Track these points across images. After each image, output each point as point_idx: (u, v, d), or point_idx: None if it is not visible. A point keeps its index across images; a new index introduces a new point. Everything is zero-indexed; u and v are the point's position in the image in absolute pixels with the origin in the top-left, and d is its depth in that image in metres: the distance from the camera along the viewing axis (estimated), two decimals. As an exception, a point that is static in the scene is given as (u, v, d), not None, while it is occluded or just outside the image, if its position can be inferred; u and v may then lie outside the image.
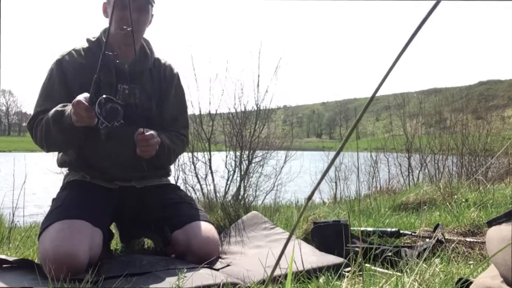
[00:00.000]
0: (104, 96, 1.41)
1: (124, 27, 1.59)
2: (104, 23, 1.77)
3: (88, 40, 1.76)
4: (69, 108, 1.50)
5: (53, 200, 1.67)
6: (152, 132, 1.61)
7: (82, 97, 1.45)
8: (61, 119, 1.52)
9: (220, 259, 1.70)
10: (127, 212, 1.76)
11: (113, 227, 2.07)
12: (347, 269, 1.35)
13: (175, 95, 1.88)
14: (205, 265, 1.54)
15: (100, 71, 1.45)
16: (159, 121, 1.81)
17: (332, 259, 1.58)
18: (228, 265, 1.62)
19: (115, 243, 2.00)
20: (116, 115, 1.41)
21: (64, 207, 1.55)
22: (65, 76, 1.67)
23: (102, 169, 1.70)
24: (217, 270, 1.54)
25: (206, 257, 1.60)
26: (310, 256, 1.58)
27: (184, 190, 2.59)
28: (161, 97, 1.83)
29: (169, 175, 1.95)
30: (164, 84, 1.84)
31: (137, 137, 1.59)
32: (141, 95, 1.71)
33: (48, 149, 1.68)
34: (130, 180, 1.75)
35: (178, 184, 3.38)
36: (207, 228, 1.70)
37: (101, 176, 1.71)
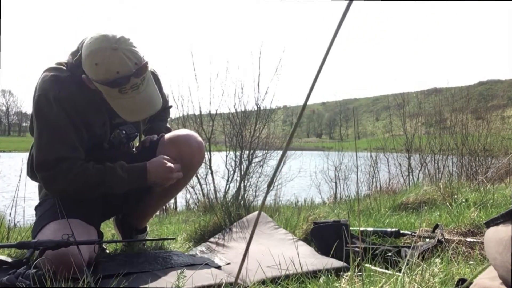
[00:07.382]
0: None
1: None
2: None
3: (65, 71, 1.53)
4: (141, 169, 1.58)
5: (37, 207, 1.62)
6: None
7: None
8: (128, 176, 1.55)
9: (221, 256, 1.71)
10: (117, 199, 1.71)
11: (112, 228, 2.07)
12: (347, 274, 1.35)
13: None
14: (206, 264, 1.54)
15: None
16: None
17: (332, 262, 1.58)
18: (229, 263, 1.63)
19: (115, 243, 2.00)
20: None
21: (55, 208, 1.46)
22: (67, 114, 1.48)
23: None
24: (219, 267, 1.55)
25: (193, 138, 1.73)
26: (310, 258, 1.58)
27: (184, 190, 2.58)
28: None
29: None
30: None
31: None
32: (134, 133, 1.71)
33: (67, 194, 1.52)
34: None
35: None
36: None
37: None
